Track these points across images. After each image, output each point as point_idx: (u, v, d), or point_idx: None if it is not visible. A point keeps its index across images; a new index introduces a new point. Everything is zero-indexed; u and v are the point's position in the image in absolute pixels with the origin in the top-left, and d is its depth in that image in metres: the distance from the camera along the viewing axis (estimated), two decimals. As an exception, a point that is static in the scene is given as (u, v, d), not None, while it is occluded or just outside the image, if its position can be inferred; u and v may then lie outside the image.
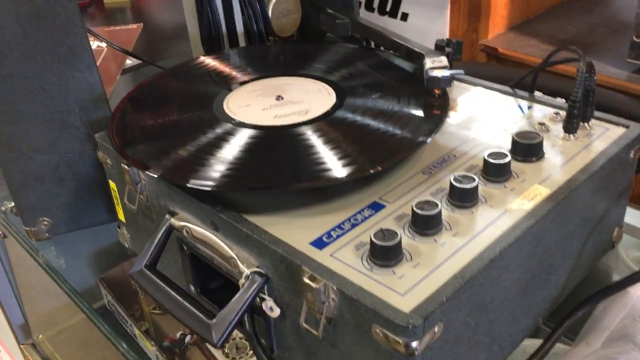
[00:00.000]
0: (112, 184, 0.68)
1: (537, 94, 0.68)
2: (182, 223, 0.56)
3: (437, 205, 0.48)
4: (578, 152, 0.57)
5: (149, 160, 0.56)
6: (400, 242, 0.45)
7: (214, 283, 0.61)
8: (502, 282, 0.48)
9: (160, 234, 0.56)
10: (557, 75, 0.95)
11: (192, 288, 0.61)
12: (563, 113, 0.61)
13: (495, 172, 0.53)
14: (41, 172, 0.71)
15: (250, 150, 0.56)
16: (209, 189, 0.52)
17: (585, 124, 0.60)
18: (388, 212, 0.51)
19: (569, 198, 0.52)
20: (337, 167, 0.53)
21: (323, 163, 0.53)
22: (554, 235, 0.52)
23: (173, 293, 0.53)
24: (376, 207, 0.52)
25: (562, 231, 0.53)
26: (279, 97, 0.63)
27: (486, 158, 0.53)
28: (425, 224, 0.48)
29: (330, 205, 0.52)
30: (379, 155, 0.54)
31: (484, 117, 0.64)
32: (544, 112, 0.64)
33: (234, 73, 0.70)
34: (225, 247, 0.52)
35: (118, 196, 0.67)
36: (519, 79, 0.69)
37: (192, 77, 0.70)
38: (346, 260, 0.46)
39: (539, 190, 0.52)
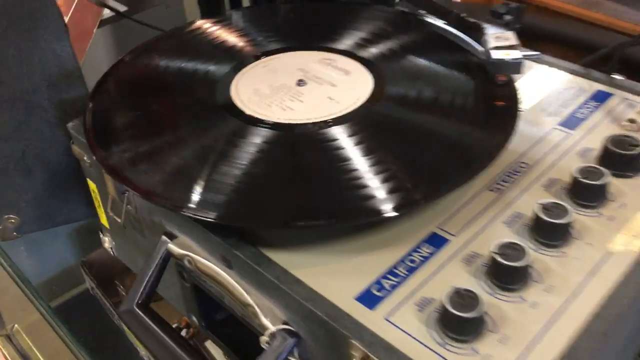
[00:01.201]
0: (91, 184, 0.55)
1: (616, 76, 0.55)
2: (184, 252, 0.43)
3: (523, 250, 0.36)
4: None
5: (135, 173, 0.43)
6: (483, 313, 0.33)
7: (222, 314, 0.49)
8: (612, 346, 0.37)
9: (155, 264, 0.44)
10: None
11: (195, 320, 0.50)
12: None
13: (589, 195, 0.41)
14: (4, 163, 0.58)
15: (270, 162, 0.44)
16: (221, 222, 0.39)
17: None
18: (453, 250, 0.39)
19: None
20: (393, 189, 0.40)
21: (367, 184, 0.41)
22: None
23: (176, 347, 0.41)
24: (436, 241, 0.40)
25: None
26: (300, 82, 0.50)
27: (576, 177, 0.41)
28: (510, 276, 0.36)
29: (376, 238, 0.40)
30: (443, 172, 0.42)
31: (553, 107, 0.52)
32: (629, 103, 0.52)
33: (240, 44, 0.56)
34: (241, 291, 0.40)
35: (99, 199, 0.55)
36: (600, 53, 0.55)
37: (187, 50, 0.56)
38: (408, 329, 0.35)
39: (647, 221, 0.40)
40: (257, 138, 0.45)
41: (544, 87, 0.54)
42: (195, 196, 0.40)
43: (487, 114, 0.47)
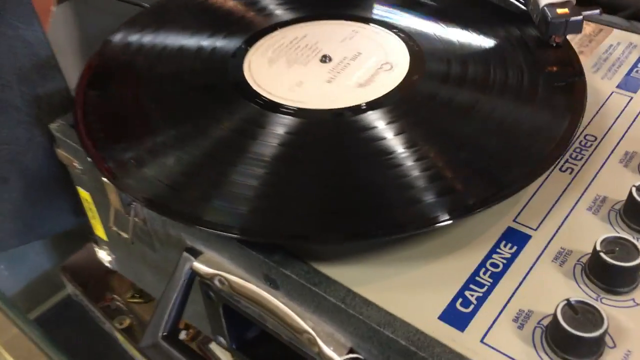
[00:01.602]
0: (83, 193, 0.47)
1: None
2: (213, 271, 0.37)
3: (635, 247, 0.31)
4: None
5: (148, 186, 0.35)
6: (606, 331, 0.28)
7: (252, 332, 0.43)
8: None
9: (178, 287, 0.37)
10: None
11: (223, 341, 0.43)
12: None
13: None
14: (-28, 173, 0.49)
15: (305, 158, 0.37)
16: (267, 241, 0.33)
17: None
18: (538, 247, 0.34)
19: None
20: (461, 186, 0.34)
21: (429, 182, 0.34)
22: None
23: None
24: (516, 238, 0.34)
25: None
26: (324, 58, 0.43)
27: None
28: (622, 277, 0.31)
29: (445, 240, 0.34)
30: (516, 161, 0.36)
31: (604, 67, 0.46)
32: (689, 58, 0.46)
33: (249, 15, 0.48)
34: (294, 316, 0.34)
35: (94, 209, 0.47)
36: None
37: (185, 25, 0.47)
38: (512, 353, 0.29)
39: None
40: (284, 130, 0.38)
41: (586, 45, 0.48)
42: (228, 208, 0.34)
43: (551, 85, 0.41)
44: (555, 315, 0.28)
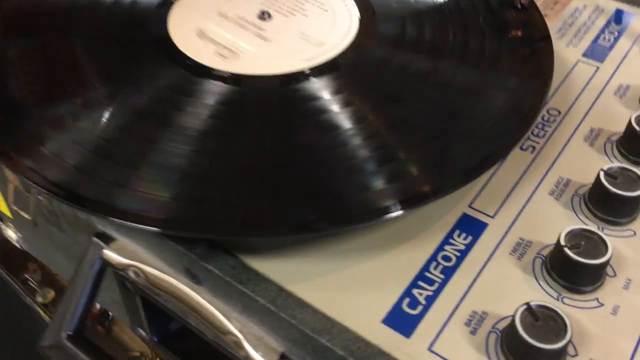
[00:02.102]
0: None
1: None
2: (127, 261, 0.32)
3: (602, 241, 0.27)
4: None
5: (45, 161, 0.30)
6: (570, 341, 0.24)
7: (176, 324, 0.38)
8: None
9: (86, 279, 0.32)
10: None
11: (143, 334, 0.38)
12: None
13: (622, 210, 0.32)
14: None
15: (236, 135, 0.32)
16: (187, 234, 0.28)
17: None
18: (496, 237, 0.30)
19: None
20: (416, 171, 0.30)
21: (381, 166, 0.30)
22: None
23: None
24: (472, 227, 0.30)
25: None
26: (263, 15, 0.37)
27: (636, 128, 0.32)
28: (587, 275, 0.27)
29: (392, 230, 0.30)
30: (478, 140, 0.32)
31: (569, 33, 0.42)
32: (658, 25, 0.43)
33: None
34: (218, 316, 0.29)
35: (-5, 182, 0.41)
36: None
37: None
38: (463, 363, 0.25)
39: None
40: (215, 97, 0.33)
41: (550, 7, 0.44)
42: (139, 195, 0.28)
43: (517, 52, 0.37)
44: (513, 321, 0.25)
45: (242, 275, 0.28)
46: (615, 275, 0.28)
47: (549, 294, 0.28)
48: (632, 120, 0.33)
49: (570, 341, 0.24)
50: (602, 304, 0.27)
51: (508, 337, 0.25)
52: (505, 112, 0.33)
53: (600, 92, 0.38)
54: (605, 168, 0.30)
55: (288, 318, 0.26)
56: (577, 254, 0.27)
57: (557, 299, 0.27)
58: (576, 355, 0.26)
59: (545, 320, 0.25)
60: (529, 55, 0.36)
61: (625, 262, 0.29)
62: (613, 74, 0.39)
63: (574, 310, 0.27)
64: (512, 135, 0.32)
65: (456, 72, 0.35)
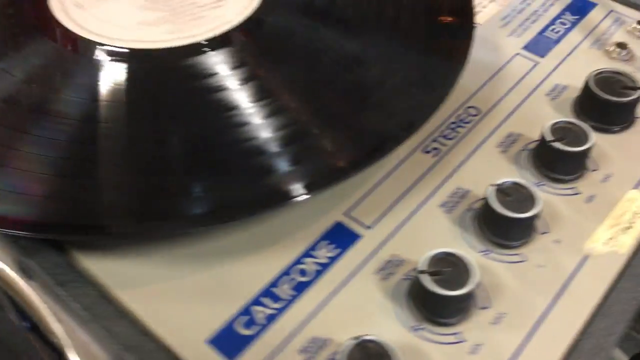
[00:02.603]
0: None
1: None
2: (-30, 246, 0.29)
3: (466, 269, 0.24)
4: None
5: None
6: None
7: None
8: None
9: None
10: None
11: (16, 319, 0.36)
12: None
13: (562, 166, 0.29)
14: None
15: (117, 114, 0.28)
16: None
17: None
18: (365, 252, 0.26)
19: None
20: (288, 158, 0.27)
21: (259, 151, 0.27)
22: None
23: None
24: (342, 238, 0.27)
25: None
26: (156, -19, 0.34)
27: (546, 139, 0.28)
28: (447, 308, 0.24)
29: (247, 236, 0.27)
30: (373, 128, 0.28)
31: (515, 21, 0.38)
32: (619, 18, 0.38)
33: None
34: (47, 317, 0.27)
35: None
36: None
37: None
38: (284, 399, 0.22)
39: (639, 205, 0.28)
40: (97, 75, 0.29)
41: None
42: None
43: (432, 33, 0.33)
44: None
45: (62, 276, 0.25)
46: (490, 305, 0.25)
47: (405, 325, 0.24)
48: (543, 129, 0.28)
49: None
50: (465, 340, 0.24)
51: (336, 374, 0.22)
52: (400, 106, 0.29)
53: (532, 92, 0.33)
54: (498, 183, 0.26)
55: (102, 329, 0.24)
56: (438, 283, 0.23)
57: (416, 333, 0.24)
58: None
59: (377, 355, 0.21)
60: (444, 42, 0.32)
61: (503, 291, 0.25)
62: (552, 71, 0.35)
63: (429, 345, 0.24)
64: (401, 131, 0.28)
65: (358, 48, 0.31)
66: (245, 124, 0.28)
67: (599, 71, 0.31)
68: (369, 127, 0.28)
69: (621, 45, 0.35)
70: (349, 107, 0.29)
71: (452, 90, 0.30)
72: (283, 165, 0.27)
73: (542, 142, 0.28)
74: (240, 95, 0.29)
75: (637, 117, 0.32)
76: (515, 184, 0.26)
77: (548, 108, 0.32)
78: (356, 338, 0.22)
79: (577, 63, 0.35)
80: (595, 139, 0.30)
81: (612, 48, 0.35)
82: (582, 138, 0.28)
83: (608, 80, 0.31)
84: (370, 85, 0.30)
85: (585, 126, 0.29)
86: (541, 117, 0.32)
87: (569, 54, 0.36)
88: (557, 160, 0.28)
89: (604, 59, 0.35)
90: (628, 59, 0.35)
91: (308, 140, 0.28)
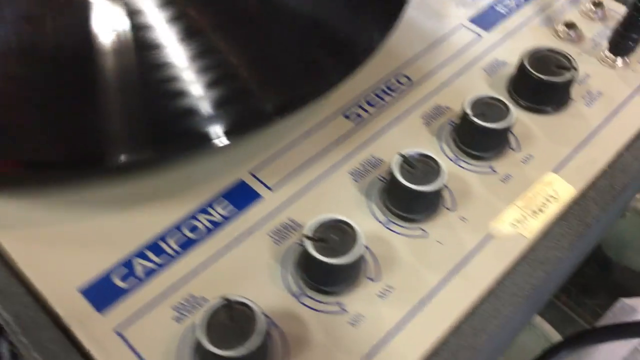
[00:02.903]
0: None
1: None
2: None
3: (354, 239, 0.23)
4: (633, 94, 0.32)
5: None
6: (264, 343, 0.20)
7: None
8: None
9: None
10: None
11: None
12: (612, 7, 0.35)
13: (480, 142, 0.27)
14: None
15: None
16: None
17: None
18: (262, 214, 0.26)
19: (610, 205, 0.27)
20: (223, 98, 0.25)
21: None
22: (571, 259, 0.29)
23: None
24: (242, 196, 0.26)
25: (585, 246, 0.30)
26: None
27: (467, 113, 0.27)
28: (332, 278, 0.23)
29: (146, 184, 0.26)
30: (292, 74, 0.27)
31: (470, -8, 0.36)
32: (573, -2, 0.36)
33: None
34: None
35: None
36: None
37: None
38: (146, 355, 0.22)
39: (556, 188, 0.27)
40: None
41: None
42: None
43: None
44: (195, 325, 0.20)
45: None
46: (373, 278, 0.24)
47: (291, 292, 0.23)
48: (464, 103, 0.27)
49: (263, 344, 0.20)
50: (346, 311, 0.23)
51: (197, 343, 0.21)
52: (322, 60, 0.28)
53: (469, 66, 0.32)
54: (402, 153, 0.25)
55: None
56: (321, 252, 0.22)
57: (298, 299, 0.23)
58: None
59: (239, 323, 0.20)
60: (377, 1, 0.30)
61: (398, 270, 0.24)
62: (494, 46, 0.33)
63: (311, 314, 0.23)
64: (315, 87, 0.27)
65: None
66: (161, 64, 0.26)
67: (535, 49, 0.30)
68: (286, 79, 0.27)
69: (570, 25, 0.34)
70: (267, 57, 0.28)
71: (376, 52, 0.28)
72: (194, 108, 0.25)
73: (462, 116, 0.27)
74: (163, 34, 0.27)
75: (572, 100, 0.31)
76: (423, 155, 0.25)
77: (483, 84, 0.31)
78: (226, 298, 0.21)
79: (522, 40, 0.34)
80: (525, 119, 0.30)
81: (560, 27, 0.34)
82: (503, 115, 0.27)
83: (544, 59, 0.30)
84: (294, 36, 0.29)
85: (509, 104, 0.27)
86: (473, 92, 0.30)
87: (515, 30, 0.34)
88: (474, 135, 0.27)
89: (551, 38, 0.34)
90: (576, 40, 0.34)
91: (221, 87, 0.26)
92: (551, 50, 0.30)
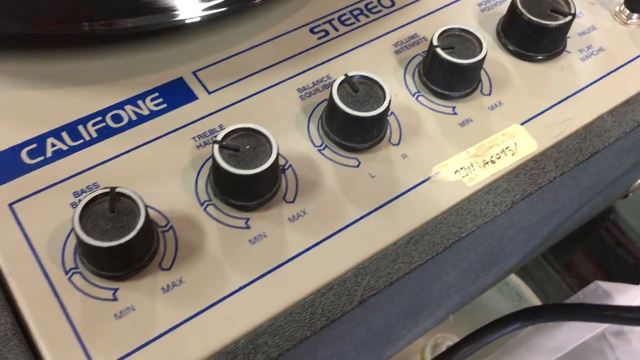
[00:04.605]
0: None
1: None
2: None
3: (271, 154, 0.21)
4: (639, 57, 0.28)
5: None
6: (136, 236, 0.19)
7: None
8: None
9: None
10: None
11: None
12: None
13: (445, 81, 0.25)
14: None
15: None
16: None
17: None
18: (192, 116, 0.24)
19: (573, 169, 0.25)
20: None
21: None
22: (527, 219, 0.27)
23: None
24: (178, 94, 0.25)
25: (541, 213, 0.28)
26: None
27: (435, 46, 0.24)
28: (242, 190, 0.21)
29: (84, 65, 0.25)
30: None
31: None
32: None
33: None
34: None
35: None
36: None
37: None
38: (33, 232, 0.21)
39: (518, 142, 0.25)
40: None
41: None
42: None
43: None
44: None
45: None
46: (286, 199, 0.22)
47: (205, 198, 0.22)
48: (434, 34, 0.25)
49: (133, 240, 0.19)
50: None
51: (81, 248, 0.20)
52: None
53: (460, -2, 0.29)
54: (348, 74, 0.23)
55: None
56: (231, 159, 0.21)
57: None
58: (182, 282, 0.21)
59: (112, 222, 0.19)
60: None
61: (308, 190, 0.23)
62: (498, -20, 0.30)
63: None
64: None
65: None
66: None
67: (531, -15, 0.27)
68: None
69: (588, -29, 0.30)
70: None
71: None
72: None
73: (429, 47, 0.25)
74: None
75: (566, 51, 0.28)
76: (368, 79, 0.23)
77: (472, 19, 0.28)
78: (110, 188, 0.20)
79: (531, -21, 0.30)
80: (508, 63, 0.27)
81: (577, -29, 0.30)
82: (475, 52, 0.24)
83: (540, 0, 0.26)
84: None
85: (482, 40, 0.25)
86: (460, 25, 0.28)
87: (527, -33, 0.31)
88: (437, 69, 0.25)
89: (565, -18, 0.30)
90: (590, -11, 0.30)
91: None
92: (551, -7, 0.27)
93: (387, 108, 0.23)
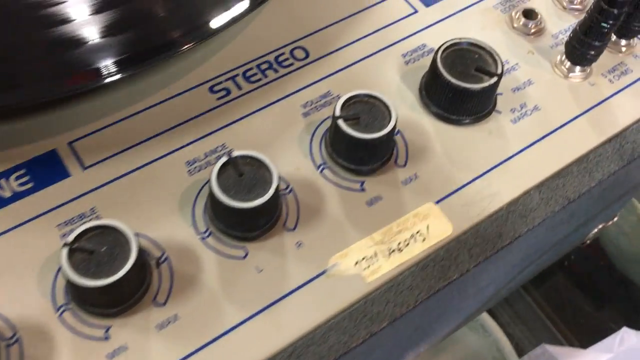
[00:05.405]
0: None
1: None
2: None
3: (130, 247, 0.18)
4: (579, 117, 0.25)
5: None
6: None
7: None
8: None
9: None
10: None
11: None
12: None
13: (352, 155, 0.22)
14: None
15: None
16: None
17: (623, 43, 0.27)
18: (64, 197, 0.21)
19: (488, 259, 0.22)
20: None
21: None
22: (442, 305, 0.24)
23: None
24: (48, 170, 0.22)
25: (465, 293, 0.25)
26: None
27: (338, 117, 0.22)
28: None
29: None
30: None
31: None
32: (552, -21, 0.29)
33: None
34: None
35: None
36: None
37: None
38: None
39: (431, 224, 0.22)
40: None
41: None
42: None
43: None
44: None
45: None
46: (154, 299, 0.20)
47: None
48: (339, 101, 0.22)
49: None
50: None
51: None
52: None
53: (388, 46, 0.26)
54: (232, 155, 0.20)
55: None
56: (77, 261, 0.18)
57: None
58: None
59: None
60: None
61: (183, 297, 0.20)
62: (427, 27, 0.27)
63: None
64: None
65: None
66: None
67: (454, 42, 0.24)
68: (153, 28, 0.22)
69: (529, 14, 0.27)
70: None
71: (250, 11, 0.23)
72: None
73: (332, 117, 0.22)
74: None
75: (497, 111, 0.25)
76: (254, 159, 0.20)
77: (394, 74, 0.25)
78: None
79: (464, 23, 0.27)
80: (430, 128, 0.24)
81: (516, 14, 0.27)
82: (382, 123, 0.22)
83: (463, 56, 0.23)
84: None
85: (391, 108, 0.22)
86: (378, 83, 0.25)
87: (461, 10, 0.28)
88: (341, 143, 0.22)
89: (503, 26, 0.27)
90: (533, 33, 0.27)
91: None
92: (475, 45, 0.24)
93: (273, 195, 0.20)
